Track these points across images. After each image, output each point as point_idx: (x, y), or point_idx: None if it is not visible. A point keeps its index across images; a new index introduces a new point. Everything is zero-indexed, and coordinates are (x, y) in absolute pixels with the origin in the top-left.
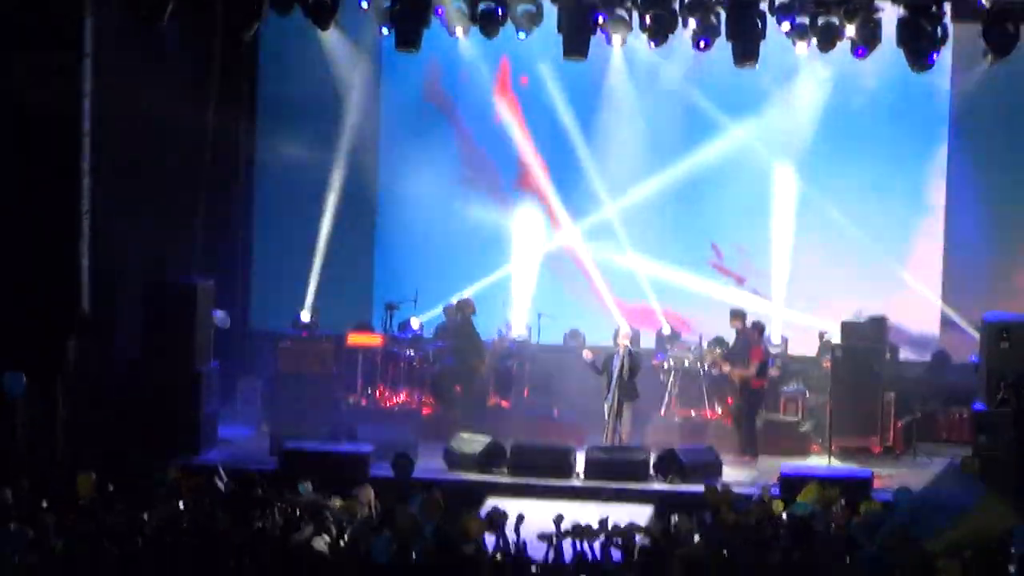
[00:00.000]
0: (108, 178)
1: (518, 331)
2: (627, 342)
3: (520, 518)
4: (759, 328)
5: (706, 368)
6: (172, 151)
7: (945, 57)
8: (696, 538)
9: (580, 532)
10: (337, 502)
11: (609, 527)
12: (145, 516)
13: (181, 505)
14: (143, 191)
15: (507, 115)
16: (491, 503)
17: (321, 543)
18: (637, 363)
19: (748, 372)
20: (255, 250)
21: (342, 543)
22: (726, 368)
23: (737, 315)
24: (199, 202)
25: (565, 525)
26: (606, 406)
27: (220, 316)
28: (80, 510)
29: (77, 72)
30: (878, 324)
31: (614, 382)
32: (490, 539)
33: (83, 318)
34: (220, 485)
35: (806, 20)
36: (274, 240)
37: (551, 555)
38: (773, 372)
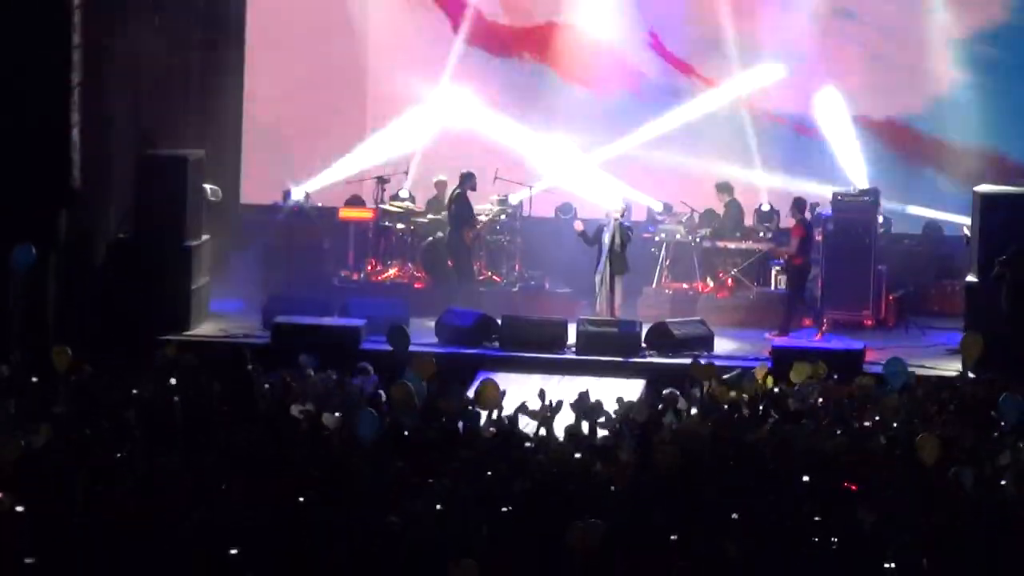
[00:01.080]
0: (99, 50)
1: (509, 203)
2: (618, 215)
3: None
4: (800, 206)
5: (698, 240)
6: (162, 20)
7: None
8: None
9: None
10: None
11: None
12: (135, 391)
13: (173, 380)
14: (134, 62)
15: None
16: (482, 376)
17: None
18: (627, 236)
19: (790, 249)
20: (246, 122)
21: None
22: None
23: (724, 188)
24: (190, 73)
25: (557, 399)
26: (597, 278)
27: (211, 189)
28: (71, 385)
29: None
30: (870, 195)
31: (605, 254)
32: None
33: (74, 191)
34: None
35: None
36: (265, 112)
37: (542, 431)
38: (762, 245)
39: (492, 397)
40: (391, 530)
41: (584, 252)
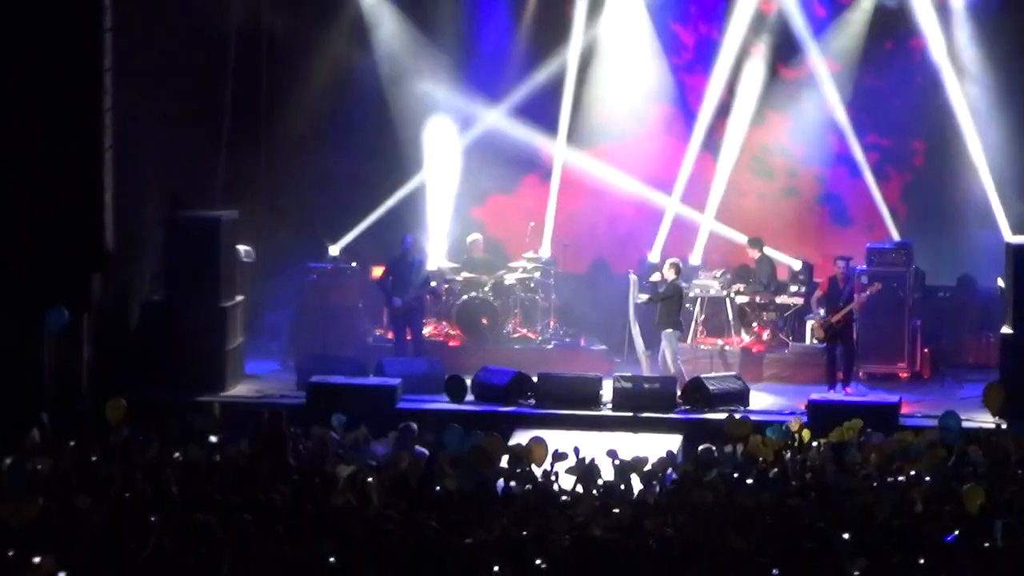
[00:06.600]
0: (130, 112)
1: (544, 259)
2: (674, 275)
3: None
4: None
5: (732, 295)
6: (194, 84)
7: None
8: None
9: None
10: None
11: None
12: (176, 454)
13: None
14: (166, 124)
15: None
16: (519, 434)
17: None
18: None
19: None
20: (281, 182)
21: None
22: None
23: (755, 243)
24: (222, 135)
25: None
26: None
27: (245, 250)
28: (108, 449)
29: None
30: (904, 249)
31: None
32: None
33: (107, 254)
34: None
35: None
36: (299, 172)
37: (579, 487)
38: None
39: (540, 455)
40: None
41: (618, 309)
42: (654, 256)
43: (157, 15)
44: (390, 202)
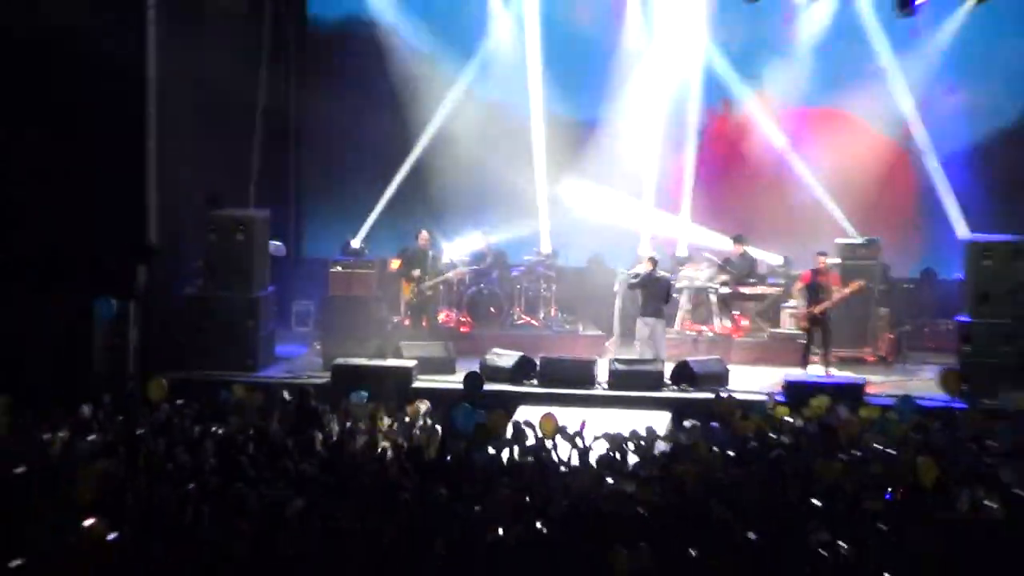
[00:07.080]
0: (172, 119)
1: (545, 254)
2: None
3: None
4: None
5: (716, 286)
6: (230, 96)
7: None
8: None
9: (607, 438)
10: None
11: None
12: (215, 429)
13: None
14: (204, 131)
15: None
16: (524, 411)
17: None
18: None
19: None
20: (307, 185)
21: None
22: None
23: (739, 239)
24: (255, 142)
25: (591, 431)
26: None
27: (276, 246)
28: (152, 425)
29: (143, 20)
30: (872, 244)
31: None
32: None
33: (151, 248)
34: (286, 396)
35: None
36: (324, 176)
37: (576, 457)
38: (775, 289)
39: (552, 428)
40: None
41: (612, 299)
42: (643, 250)
43: (197, 28)
44: (393, 187)
